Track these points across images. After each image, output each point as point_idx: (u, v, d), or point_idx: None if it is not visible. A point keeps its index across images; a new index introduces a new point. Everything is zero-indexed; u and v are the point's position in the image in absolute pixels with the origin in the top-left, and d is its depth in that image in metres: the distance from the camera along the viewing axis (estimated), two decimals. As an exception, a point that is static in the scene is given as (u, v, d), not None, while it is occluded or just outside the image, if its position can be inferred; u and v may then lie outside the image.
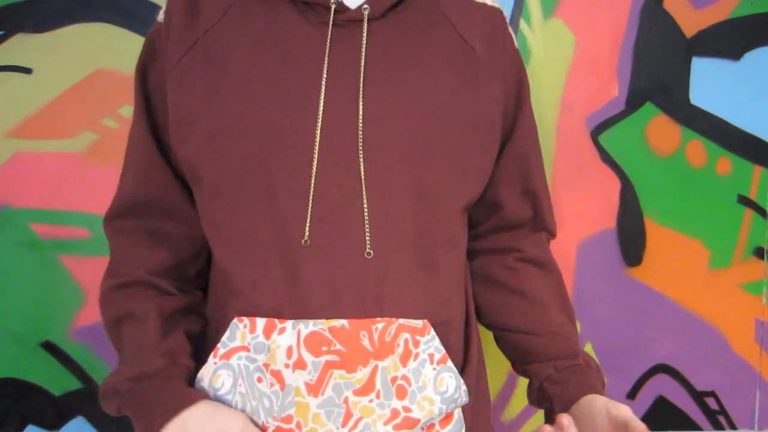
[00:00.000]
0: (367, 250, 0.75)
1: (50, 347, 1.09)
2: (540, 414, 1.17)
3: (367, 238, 0.75)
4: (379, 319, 0.76)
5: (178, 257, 0.83)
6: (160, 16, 0.83)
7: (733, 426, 1.23)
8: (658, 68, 1.16)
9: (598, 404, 0.76)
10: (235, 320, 0.77)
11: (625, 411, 0.73)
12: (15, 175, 1.07)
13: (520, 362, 0.89)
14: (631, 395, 1.20)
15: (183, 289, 0.84)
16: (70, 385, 1.10)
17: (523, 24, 1.13)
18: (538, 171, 0.90)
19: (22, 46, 1.06)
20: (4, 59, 1.06)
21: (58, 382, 1.10)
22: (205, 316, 0.85)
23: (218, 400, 0.77)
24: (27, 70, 1.06)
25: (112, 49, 1.07)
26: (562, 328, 0.87)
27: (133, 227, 0.83)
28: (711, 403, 1.22)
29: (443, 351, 0.79)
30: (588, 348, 1.19)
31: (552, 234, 0.93)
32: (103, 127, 1.08)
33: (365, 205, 0.75)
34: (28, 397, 1.10)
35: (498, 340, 0.93)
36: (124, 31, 1.07)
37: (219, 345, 0.77)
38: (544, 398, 0.85)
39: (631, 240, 1.18)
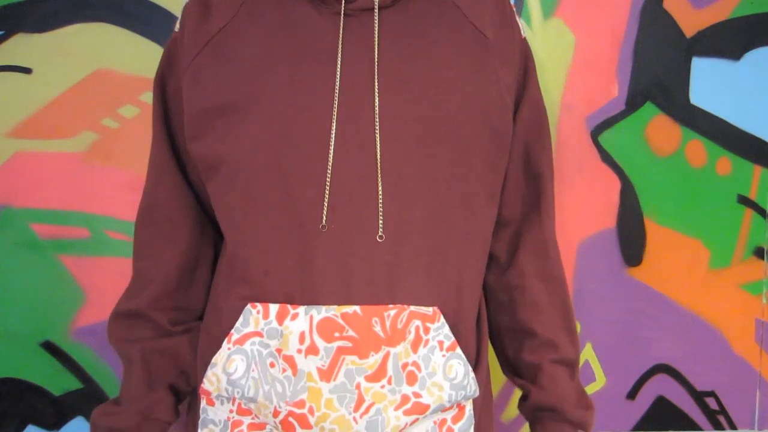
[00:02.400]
0: (380, 234, 0.76)
1: (50, 347, 1.09)
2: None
3: (380, 223, 0.76)
4: (391, 305, 0.76)
5: (177, 271, 0.87)
6: (177, 26, 0.86)
7: (733, 426, 1.23)
8: (658, 68, 1.16)
9: None
10: (249, 306, 0.78)
11: None
12: (15, 175, 1.07)
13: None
14: (631, 395, 1.20)
15: (179, 319, 0.88)
16: (70, 385, 1.10)
17: (523, 24, 1.13)
18: (542, 155, 0.90)
19: (22, 46, 1.06)
20: (4, 59, 1.06)
21: (58, 382, 1.10)
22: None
23: (232, 384, 0.78)
24: (27, 70, 1.06)
25: (112, 49, 1.07)
26: (553, 353, 0.89)
27: (144, 236, 0.89)
28: (711, 403, 1.22)
29: (452, 338, 0.80)
30: (588, 348, 1.19)
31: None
32: (103, 127, 1.08)
33: (380, 192, 0.76)
34: (28, 397, 1.10)
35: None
36: (124, 31, 1.07)
37: (233, 331, 0.78)
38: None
39: (631, 240, 1.18)
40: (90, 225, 1.08)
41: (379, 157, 0.76)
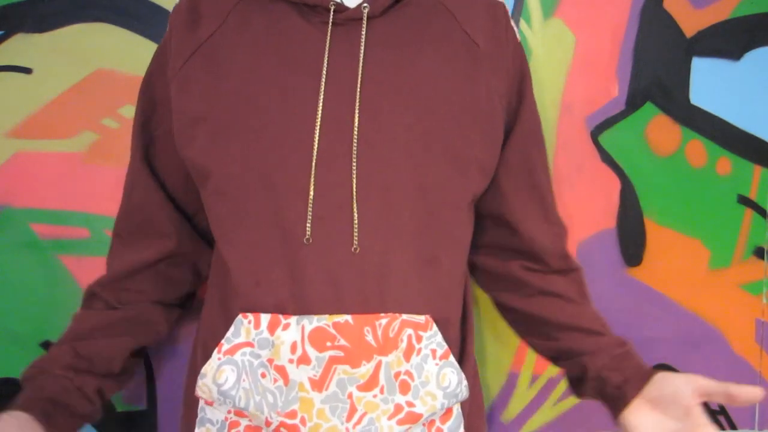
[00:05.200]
0: (354, 246, 0.76)
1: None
2: (540, 414, 1.17)
3: (355, 234, 0.76)
4: (382, 314, 0.76)
5: (135, 264, 0.89)
6: (167, 30, 0.86)
7: (733, 426, 1.23)
8: (658, 68, 1.16)
9: (676, 379, 0.80)
10: (240, 316, 0.78)
11: (702, 380, 0.78)
12: (15, 175, 1.07)
13: (564, 357, 0.89)
14: (631, 395, 1.20)
15: (134, 299, 0.89)
16: (70, 385, 1.10)
17: (523, 24, 1.13)
18: (541, 164, 0.91)
19: (22, 46, 1.06)
20: (4, 59, 1.06)
21: (58, 382, 1.10)
22: (159, 329, 0.91)
23: (222, 395, 0.78)
24: (27, 70, 1.06)
25: (112, 49, 1.07)
26: (600, 320, 0.90)
27: (117, 238, 0.92)
28: (711, 403, 1.22)
29: (445, 346, 0.80)
30: (588, 348, 1.19)
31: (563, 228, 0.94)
32: (103, 127, 1.08)
33: (354, 202, 0.76)
34: (28, 397, 1.09)
35: (531, 341, 0.94)
36: (124, 31, 1.07)
37: (223, 341, 0.78)
38: (604, 385, 0.84)
39: (631, 240, 1.18)
40: (90, 225, 1.08)
41: (355, 168, 0.76)
